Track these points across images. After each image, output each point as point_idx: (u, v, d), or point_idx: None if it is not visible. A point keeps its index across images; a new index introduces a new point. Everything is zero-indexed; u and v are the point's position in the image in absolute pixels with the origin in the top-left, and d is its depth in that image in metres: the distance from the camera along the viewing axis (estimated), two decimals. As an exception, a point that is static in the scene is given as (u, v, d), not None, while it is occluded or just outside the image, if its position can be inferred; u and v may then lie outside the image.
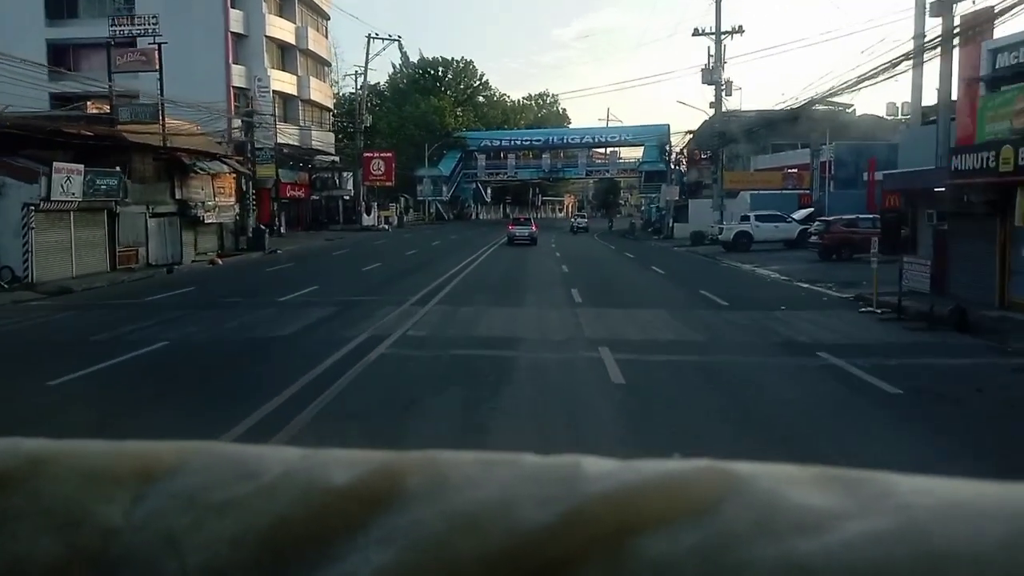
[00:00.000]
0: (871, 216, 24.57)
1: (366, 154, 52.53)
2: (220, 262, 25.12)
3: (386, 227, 53.15)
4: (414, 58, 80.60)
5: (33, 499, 0.37)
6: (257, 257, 27.89)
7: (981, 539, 0.29)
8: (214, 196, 26.83)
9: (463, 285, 19.25)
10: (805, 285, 19.57)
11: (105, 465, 0.38)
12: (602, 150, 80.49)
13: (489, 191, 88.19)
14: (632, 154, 78.60)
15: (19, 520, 0.36)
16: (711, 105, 38.99)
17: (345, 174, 53.36)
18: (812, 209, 32.87)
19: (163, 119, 25.04)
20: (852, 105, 51.91)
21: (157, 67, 26.66)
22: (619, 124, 75.77)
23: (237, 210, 28.61)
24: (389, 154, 53.63)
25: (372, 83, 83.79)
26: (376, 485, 0.35)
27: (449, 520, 0.33)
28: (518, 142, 77.34)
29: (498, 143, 77.22)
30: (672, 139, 64.43)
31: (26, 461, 0.38)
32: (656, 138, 72.46)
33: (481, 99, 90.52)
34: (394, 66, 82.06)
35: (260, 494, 0.35)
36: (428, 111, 73.71)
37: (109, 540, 0.35)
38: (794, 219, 31.66)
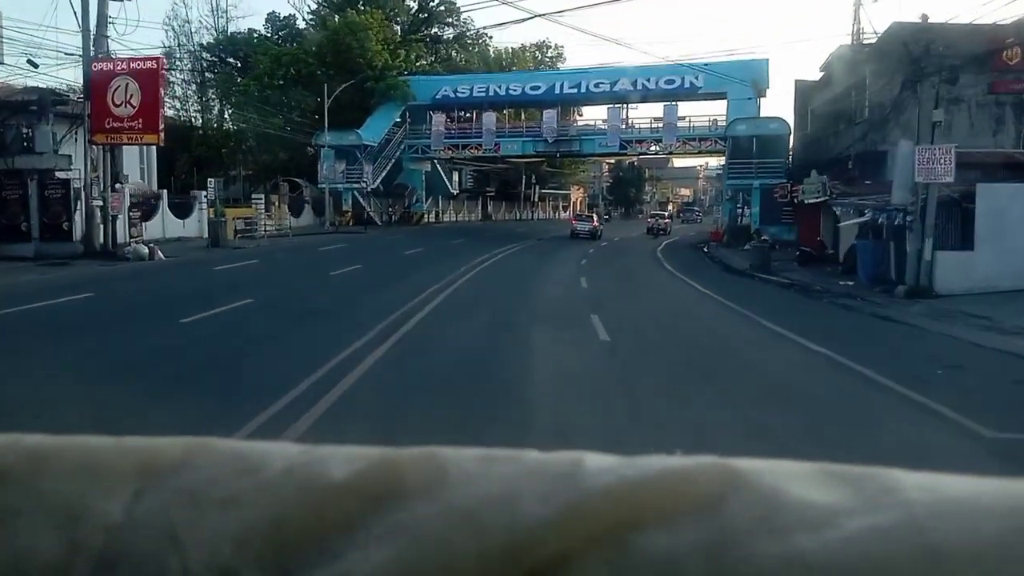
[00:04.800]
0: None
1: (95, 65, 20.36)
2: None
3: (146, 252, 20.84)
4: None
5: (34, 495, 0.36)
6: None
7: (980, 535, 0.29)
8: None
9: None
10: None
11: (106, 461, 0.37)
12: (639, 113, 48.68)
13: (456, 177, 55.57)
14: (700, 111, 46.92)
15: (20, 516, 0.35)
16: None
17: (46, 127, 21.36)
18: None
19: None
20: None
21: None
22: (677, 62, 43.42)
23: None
24: (152, 63, 21.08)
25: (284, 16, 52.49)
26: (376, 481, 0.34)
27: (449, 516, 0.32)
28: (501, 91, 44.87)
29: (467, 93, 44.71)
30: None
31: (26, 457, 0.38)
32: (749, 83, 40.88)
33: (447, 34, 58.41)
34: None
35: (261, 490, 0.35)
36: (341, 32, 41.76)
37: (110, 536, 0.34)
38: None
